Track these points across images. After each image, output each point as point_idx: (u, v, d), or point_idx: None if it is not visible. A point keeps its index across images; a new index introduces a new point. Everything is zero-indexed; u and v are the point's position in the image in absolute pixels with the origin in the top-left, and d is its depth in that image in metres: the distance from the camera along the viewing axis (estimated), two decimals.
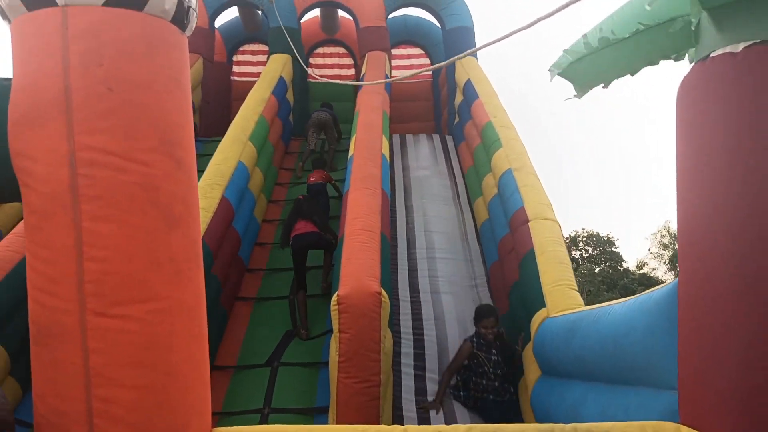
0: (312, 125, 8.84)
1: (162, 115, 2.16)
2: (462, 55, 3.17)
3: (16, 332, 4.40)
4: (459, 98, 9.23)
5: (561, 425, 2.29)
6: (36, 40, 2.09)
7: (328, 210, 6.96)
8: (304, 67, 8.49)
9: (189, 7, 2.30)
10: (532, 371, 4.39)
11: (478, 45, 9.99)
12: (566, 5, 2.34)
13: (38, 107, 2.06)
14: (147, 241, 2.07)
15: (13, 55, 2.18)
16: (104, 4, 2.08)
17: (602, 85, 3.26)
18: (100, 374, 1.99)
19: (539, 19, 2.52)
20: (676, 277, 2.52)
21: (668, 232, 27.37)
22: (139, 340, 2.04)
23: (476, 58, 9.77)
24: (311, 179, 7.36)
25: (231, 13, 11.04)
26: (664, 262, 27.12)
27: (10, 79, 2.21)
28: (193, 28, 2.39)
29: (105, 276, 2.01)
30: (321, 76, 11.45)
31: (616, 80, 3.29)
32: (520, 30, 2.63)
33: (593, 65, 3.08)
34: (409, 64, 11.52)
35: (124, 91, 2.08)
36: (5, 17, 2.21)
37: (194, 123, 5.24)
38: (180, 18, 2.26)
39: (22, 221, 5.15)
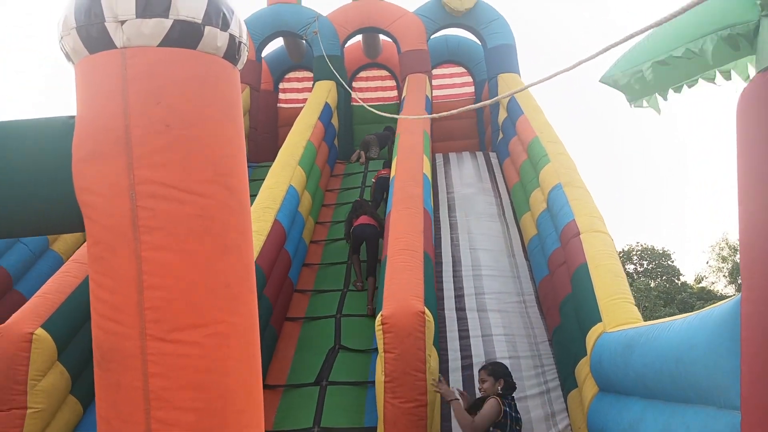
0: (361, 146, 9.90)
1: (216, 147, 2.26)
2: (514, 91, 3.19)
3: (76, 353, 4.58)
4: (503, 115, 9.21)
5: None
6: (98, 81, 2.23)
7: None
8: (348, 90, 8.66)
9: (240, 42, 2.40)
10: (588, 387, 4.30)
11: (519, 61, 10.01)
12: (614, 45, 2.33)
13: (100, 145, 2.19)
14: (203, 268, 2.16)
15: (77, 95, 2.32)
16: (160, 44, 2.20)
17: (659, 95, 3.22)
18: (159, 397, 2.07)
19: (589, 58, 2.50)
20: (736, 290, 2.45)
21: (727, 244, 26.35)
22: (197, 363, 2.11)
23: (519, 74, 9.76)
24: (381, 172, 8.31)
25: (276, 43, 11.37)
26: (724, 276, 26.07)
27: (74, 117, 2.35)
28: (245, 61, 2.49)
29: (164, 303, 2.10)
30: (363, 99, 11.64)
31: (671, 91, 3.24)
32: (567, 70, 2.62)
33: (644, 76, 3.04)
34: (452, 82, 11.59)
35: (180, 126, 2.19)
36: (69, 59, 2.36)
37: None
38: (232, 53, 2.37)
39: (81, 247, 5.40)
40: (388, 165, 8.65)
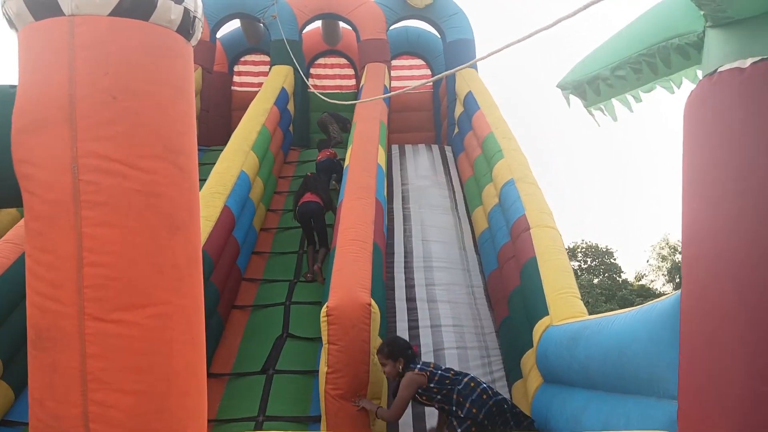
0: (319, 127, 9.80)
1: (165, 123, 2.18)
2: (462, 66, 3.20)
3: (8, 337, 4.39)
4: (459, 109, 9.27)
5: None
6: (42, 49, 2.12)
7: (331, 190, 7.35)
8: (305, 80, 8.53)
9: (195, 17, 2.33)
10: (533, 378, 4.39)
11: (478, 57, 10.09)
12: (563, 18, 2.37)
13: (43, 115, 2.09)
14: (148, 247, 2.09)
15: (20, 63, 2.21)
16: (110, 14, 2.11)
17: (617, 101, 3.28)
18: (97, 379, 2.01)
19: (537, 31, 2.54)
20: (674, 288, 2.54)
21: (667, 244, 27.39)
22: (138, 345, 2.05)
23: (477, 71, 9.84)
24: (319, 158, 8.10)
25: (232, 25, 11.11)
26: (663, 274, 27.11)
27: (15, 87, 2.23)
28: (199, 37, 2.41)
29: (105, 281, 2.03)
30: (321, 86, 11.51)
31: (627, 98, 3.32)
32: (520, 40, 2.65)
33: (600, 83, 3.11)
34: (410, 74, 11.58)
35: (129, 99, 2.11)
36: (13, 26, 2.24)
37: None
38: (185, 28, 2.29)
39: (14, 227, 5.16)
40: (324, 145, 8.86)
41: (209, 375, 4.89)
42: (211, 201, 5.59)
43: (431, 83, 11.52)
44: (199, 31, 2.42)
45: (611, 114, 3.42)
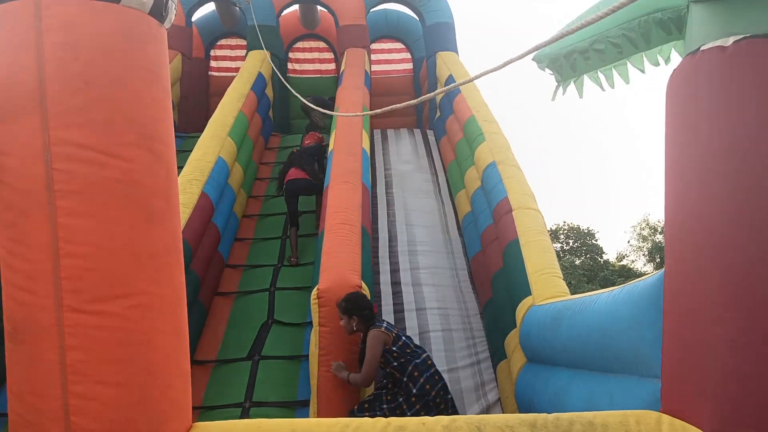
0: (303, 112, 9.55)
1: (140, 108, 2.13)
2: (455, 85, 3.12)
3: None
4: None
5: (544, 415, 2.30)
6: (8, 33, 2.04)
7: (324, 164, 7.24)
8: (278, 74, 8.38)
9: None
10: (517, 359, 4.42)
11: (458, 40, 10.03)
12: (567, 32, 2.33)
13: (11, 101, 2.02)
14: (126, 236, 2.04)
15: None
16: None
17: (589, 78, 3.27)
18: (77, 371, 1.97)
19: (535, 48, 2.48)
20: (654, 268, 2.55)
21: (647, 224, 27.71)
22: (118, 336, 2.01)
23: (457, 53, 9.79)
24: (306, 142, 7.87)
25: (207, 8, 10.91)
26: (644, 254, 27.46)
27: None
28: (173, 20, 2.35)
29: (82, 272, 1.98)
30: (301, 71, 11.37)
31: (602, 75, 3.30)
32: (515, 60, 2.58)
33: (577, 56, 3.09)
34: (390, 58, 11.48)
35: (101, 85, 2.05)
36: None
37: (173, 120, 5.20)
38: (158, 10, 2.23)
39: None
40: (312, 128, 8.72)
41: (194, 362, 4.87)
42: (188, 188, 5.53)
43: (411, 66, 11.46)
44: (173, 14, 2.36)
45: (579, 90, 3.41)
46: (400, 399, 3.84)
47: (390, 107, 3.45)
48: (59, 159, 1.98)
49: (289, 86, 7.03)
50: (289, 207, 6.68)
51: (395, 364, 3.89)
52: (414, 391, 3.80)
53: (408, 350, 3.92)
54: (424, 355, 3.97)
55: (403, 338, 3.97)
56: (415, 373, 3.84)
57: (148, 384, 2.06)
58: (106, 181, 2.01)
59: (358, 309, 4.02)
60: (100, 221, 2.00)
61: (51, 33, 2.00)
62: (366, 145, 7.03)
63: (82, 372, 1.97)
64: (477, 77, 2.90)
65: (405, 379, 3.83)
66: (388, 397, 3.89)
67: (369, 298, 4.34)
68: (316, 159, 7.36)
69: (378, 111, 3.61)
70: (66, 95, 2.00)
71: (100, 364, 1.99)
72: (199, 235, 5.48)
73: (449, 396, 3.96)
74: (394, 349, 3.90)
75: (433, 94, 3.28)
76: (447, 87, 3.09)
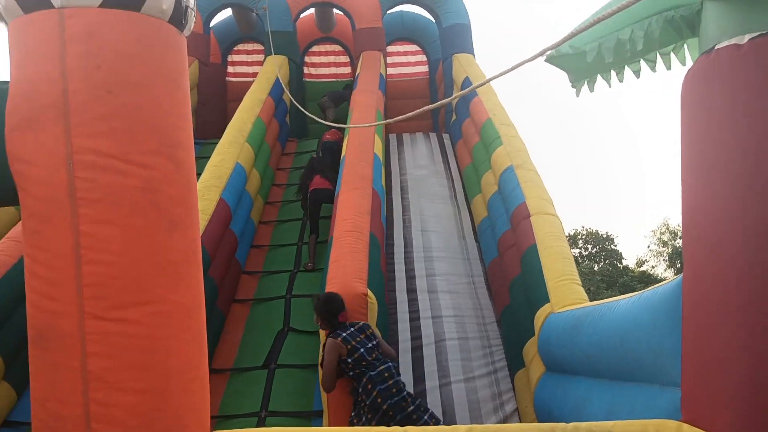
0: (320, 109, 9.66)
1: (161, 116, 2.15)
2: (470, 89, 3.11)
3: (11, 337, 4.36)
4: None
5: (563, 425, 2.27)
6: (33, 43, 2.08)
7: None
8: (287, 91, 8.39)
9: (187, 7, 2.28)
10: (535, 368, 4.38)
11: (474, 41, 10.00)
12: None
13: (36, 111, 2.05)
14: (147, 243, 2.06)
15: (11, 58, 2.16)
16: (101, 6, 2.07)
17: (602, 77, 3.23)
18: (98, 378, 1.98)
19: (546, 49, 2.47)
20: (675, 274, 2.51)
21: (668, 229, 27.36)
22: (138, 343, 2.03)
23: (473, 55, 9.76)
24: (327, 136, 8.15)
25: (224, 14, 11.01)
26: (664, 260, 27.11)
27: (7, 83, 2.19)
28: (192, 28, 2.37)
29: (104, 279, 2.00)
30: (316, 75, 11.41)
31: (614, 73, 3.27)
32: (530, 60, 2.57)
33: (589, 56, 3.05)
34: (406, 60, 11.48)
35: (123, 93, 2.07)
36: (2, 19, 2.19)
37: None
38: (178, 18, 2.25)
39: (17, 225, 5.12)
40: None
41: (211, 371, 4.88)
42: (206, 194, 5.56)
43: (427, 69, 11.45)
44: (192, 21, 2.38)
45: (591, 88, 3.37)
46: (355, 411, 3.91)
47: (402, 116, 3.42)
48: (82, 167, 2.00)
49: (292, 98, 7.07)
50: (312, 214, 6.75)
51: (351, 374, 3.91)
52: (368, 402, 3.81)
53: (363, 362, 3.88)
54: (382, 368, 3.88)
55: (361, 350, 3.91)
56: (369, 386, 3.84)
57: (167, 390, 2.08)
58: (128, 190, 2.03)
59: (325, 311, 4.06)
60: (121, 229, 2.02)
61: (74, 42, 2.03)
62: (379, 150, 7.02)
63: (103, 378, 1.98)
64: (492, 79, 2.89)
65: (360, 389, 3.87)
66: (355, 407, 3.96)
67: (376, 306, 4.32)
68: (334, 156, 7.48)
69: (390, 120, 3.60)
70: (89, 104, 2.02)
71: (121, 370, 2.00)
72: (217, 241, 5.50)
73: (410, 408, 3.79)
74: (349, 360, 3.89)
75: (447, 100, 3.27)
76: (463, 91, 3.06)
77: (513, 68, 2.70)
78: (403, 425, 3.28)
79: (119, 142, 2.03)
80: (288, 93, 7.67)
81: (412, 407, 3.80)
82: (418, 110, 3.35)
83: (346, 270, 4.48)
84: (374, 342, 4.00)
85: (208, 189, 5.67)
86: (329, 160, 7.57)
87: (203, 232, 5.11)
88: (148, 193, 2.06)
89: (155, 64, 2.15)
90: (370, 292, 4.29)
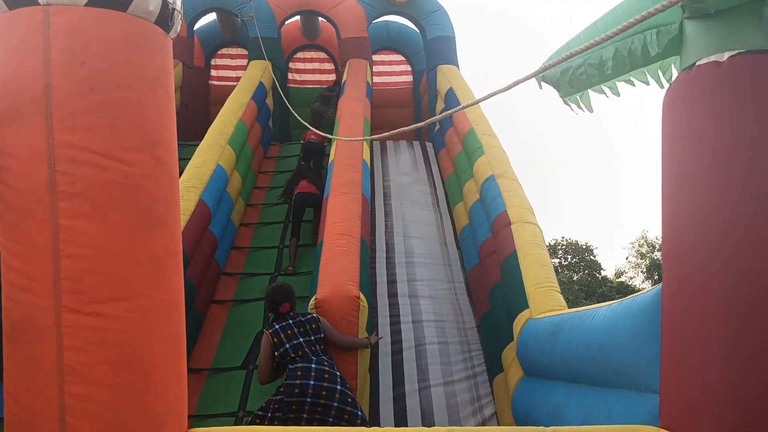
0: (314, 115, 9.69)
1: (144, 114, 2.16)
2: (456, 109, 3.14)
3: None
4: (440, 106, 9.28)
5: (542, 428, 2.29)
6: (17, 39, 2.09)
7: (322, 175, 7.49)
8: (278, 87, 8.41)
9: (173, 9, 2.30)
10: (514, 372, 4.41)
11: (458, 54, 10.09)
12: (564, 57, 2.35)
13: (18, 105, 2.05)
14: (127, 239, 2.06)
15: None
16: (87, 4, 2.09)
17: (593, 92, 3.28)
18: (74, 372, 1.97)
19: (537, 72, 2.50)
20: (653, 285, 2.55)
21: (646, 241, 27.73)
22: (117, 338, 2.02)
23: (458, 67, 9.85)
24: (309, 137, 8.23)
25: (209, 17, 10.98)
26: (642, 271, 27.46)
27: None
28: (178, 29, 2.38)
29: (82, 274, 1.99)
30: (301, 81, 11.42)
31: (601, 90, 3.32)
32: (521, 81, 2.61)
33: (576, 73, 3.11)
34: (391, 70, 11.55)
35: (106, 90, 2.08)
36: None
37: None
38: (164, 19, 2.26)
39: None
40: (315, 125, 8.79)
41: (188, 370, 4.82)
42: (186, 195, 5.54)
43: (411, 78, 11.52)
44: (178, 23, 2.39)
45: (587, 105, 3.42)
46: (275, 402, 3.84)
47: (393, 131, 3.42)
48: (63, 162, 2.00)
49: (286, 101, 7.09)
50: (295, 217, 6.84)
51: (278, 368, 3.94)
52: (276, 396, 3.80)
53: (288, 359, 3.89)
54: (298, 366, 3.79)
55: (287, 347, 3.88)
56: (285, 379, 3.85)
57: (144, 387, 2.07)
58: (109, 185, 2.03)
59: (269, 301, 4.11)
60: (101, 224, 2.01)
61: (58, 38, 2.04)
62: (366, 156, 7.06)
63: (79, 373, 1.97)
64: (482, 100, 2.91)
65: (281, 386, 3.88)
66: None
67: (367, 309, 4.33)
68: (315, 156, 7.67)
69: (380, 136, 3.60)
70: (71, 99, 2.02)
71: (98, 365, 1.99)
72: (195, 242, 5.48)
73: (304, 415, 3.67)
74: (276, 355, 3.92)
75: (437, 117, 3.28)
76: (454, 109, 3.04)
77: (498, 92, 2.71)
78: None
79: (100, 138, 2.04)
80: (284, 97, 7.66)
81: (305, 415, 3.66)
82: (409, 127, 3.36)
83: (337, 273, 4.48)
84: (316, 336, 3.95)
85: (188, 190, 5.65)
86: (312, 159, 7.81)
87: (182, 232, 5.07)
88: (129, 189, 2.07)
89: (140, 63, 2.16)
90: (362, 295, 4.30)
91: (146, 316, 2.08)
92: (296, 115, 6.51)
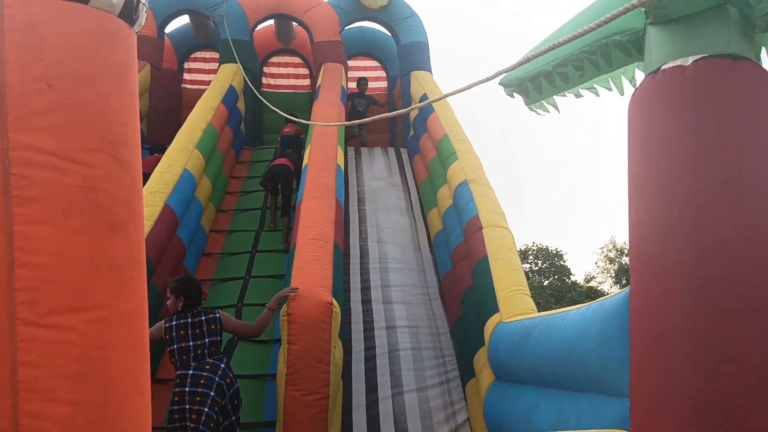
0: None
1: (106, 113, 2.05)
2: (428, 102, 3.14)
3: None
4: (415, 112, 9.29)
5: None
6: None
7: (301, 159, 7.48)
8: (252, 87, 8.33)
9: (138, 1, 2.21)
10: (485, 377, 4.40)
11: (431, 59, 10.12)
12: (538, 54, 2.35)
13: None
14: (86, 246, 1.95)
15: None
16: None
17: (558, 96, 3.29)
18: (29, 388, 1.85)
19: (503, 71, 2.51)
20: (621, 290, 2.56)
21: (614, 246, 28.16)
22: (75, 351, 1.90)
23: (431, 72, 9.87)
24: (285, 131, 8.50)
25: (181, 21, 10.83)
26: (611, 276, 27.86)
27: None
28: (143, 23, 2.29)
29: (38, 283, 1.88)
30: (275, 86, 11.32)
31: (566, 95, 3.34)
32: (481, 82, 2.62)
33: (542, 80, 3.12)
34: (366, 75, 11.51)
35: (66, 87, 1.97)
36: None
37: (141, 130, 5.09)
38: (128, 13, 2.17)
39: None
40: (291, 121, 8.70)
41: (155, 380, 4.72)
42: (151, 200, 5.42)
43: (386, 85, 11.52)
44: (144, 17, 2.30)
45: (554, 106, 3.44)
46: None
47: (369, 119, 3.44)
48: (18, 164, 1.89)
49: (263, 99, 7.00)
50: (272, 189, 7.13)
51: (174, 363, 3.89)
52: (171, 408, 3.77)
53: (174, 359, 3.87)
54: (187, 373, 3.77)
55: (174, 347, 3.84)
56: (176, 380, 3.82)
57: (105, 402, 1.96)
58: (67, 188, 1.92)
59: (186, 291, 3.96)
60: (59, 230, 1.90)
61: (13, 32, 1.93)
62: (341, 161, 7.01)
63: (35, 389, 1.85)
64: (447, 96, 2.92)
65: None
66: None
67: (340, 315, 4.28)
68: (293, 147, 7.93)
69: (357, 122, 3.59)
70: (28, 97, 1.91)
71: (55, 380, 1.87)
72: (161, 247, 5.35)
73: (190, 426, 3.65)
74: (168, 350, 3.89)
75: (408, 109, 3.28)
76: (419, 104, 3.09)
77: (465, 88, 2.73)
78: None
79: (59, 139, 1.93)
80: (263, 100, 7.57)
81: (189, 423, 3.63)
82: (386, 114, 3.39)
83: (310, 278, 4.42)
84: (210, 339, 3.87)
85: (153, 195, 5.52)
86: (290, 150, 7.98)
87: (146, 238, 4.95)
88: (89, 192, 1.96)
89: (102, 58, 2.06)
90: (335, 301, 4.25)
91: (107, 327, 1.97)
92: (272, 107, 6.37)
